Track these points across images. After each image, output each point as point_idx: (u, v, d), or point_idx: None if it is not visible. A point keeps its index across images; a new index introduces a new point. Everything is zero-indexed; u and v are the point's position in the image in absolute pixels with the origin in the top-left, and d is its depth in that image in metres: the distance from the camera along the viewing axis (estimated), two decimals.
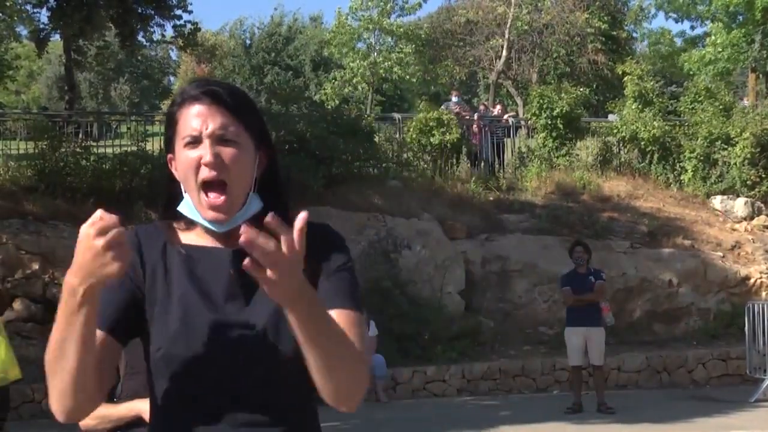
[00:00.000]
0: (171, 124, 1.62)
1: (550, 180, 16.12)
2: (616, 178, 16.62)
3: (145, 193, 12.21)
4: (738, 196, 16.40)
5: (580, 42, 27.56)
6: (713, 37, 26.71)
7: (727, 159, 16.56)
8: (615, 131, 17.26)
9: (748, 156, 16.30)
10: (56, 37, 23.56)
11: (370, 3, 28.00)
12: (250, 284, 1.42)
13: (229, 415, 1.53)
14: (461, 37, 28.18)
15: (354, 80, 28.46)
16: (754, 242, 15.36)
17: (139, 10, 20.30)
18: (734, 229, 15.85)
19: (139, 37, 21.61)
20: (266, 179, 1.65)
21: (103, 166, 13.24)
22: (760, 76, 27.62)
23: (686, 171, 16.79)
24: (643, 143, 16.89)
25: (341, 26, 28.59)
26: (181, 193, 1.61)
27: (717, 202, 16.46)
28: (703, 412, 9.91)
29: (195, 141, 1.57)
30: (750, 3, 24.69)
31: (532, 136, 17.95)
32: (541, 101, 17.38)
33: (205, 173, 1.55)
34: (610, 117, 18.63)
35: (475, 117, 17.85)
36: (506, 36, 25.97)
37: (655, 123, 16.86)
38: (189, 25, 21.06)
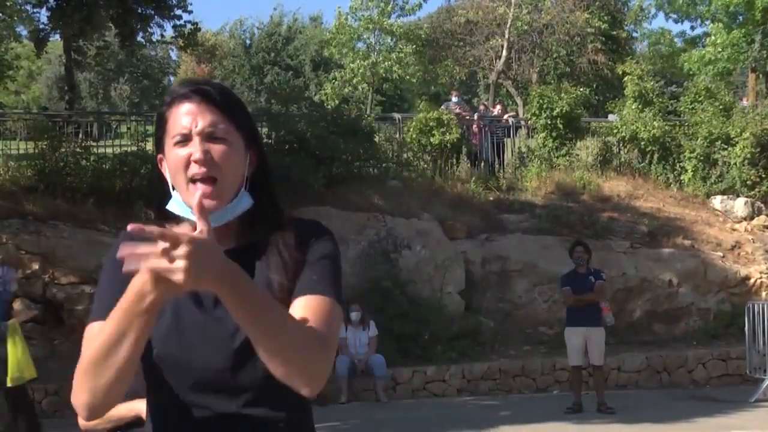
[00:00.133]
0: (161, 124, 1.62)
1: (550, 180, 16.11)
2: (616, 178, 16.62)
3: (145, 193, 12.20)
4: (738, 196, 16.40)
5: (580, 42, 27.53)
6: (713, 37, 26.72)
7: (727, 159, 16.56)
8: (615, 131, 17.26)
9: (748, 156, 16.30)
10: (56, 37, 23.56)
11: (370, 3, 27.95)
12: None
13: (224, 415, 1.54)
14: (461, 37, 28.15)
15: (354, 80, 28.42)
16: (754, 242, 15.35)
17: (139, 10, 20.28)
18: (734, 229, 15.85)
19: (139, 37, 21.57)
20: (257, 178, 1.65)
21: (103, 166, 13.25)
22: (760, 76, 27.63)
23: (686, 171, 16.79)
24: (643, 143, 16.90)
25: (341, 26, 28.55)
26: (170, 192, 1.61)
27: (717, 202, 16.45)
28: (703, 412, 9.90)
29: (185, 139, 1.57)
30: (750, 3, 24.71)
31: (532, 136, 17.94)
32: (541, 101, 17.38)
33: (195, 170, 1.55)
34: (610, 117, 18.63)
35: (475, 117, 17.84)
36: (506, 36, 25.95)
37: (655, 123, 16.86)
38: (189, 25, 21.06)
